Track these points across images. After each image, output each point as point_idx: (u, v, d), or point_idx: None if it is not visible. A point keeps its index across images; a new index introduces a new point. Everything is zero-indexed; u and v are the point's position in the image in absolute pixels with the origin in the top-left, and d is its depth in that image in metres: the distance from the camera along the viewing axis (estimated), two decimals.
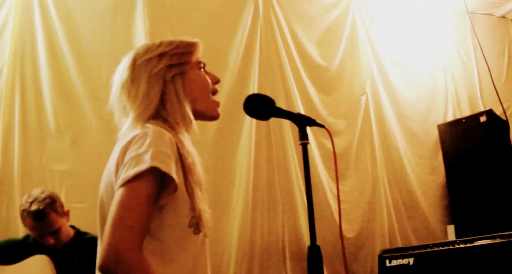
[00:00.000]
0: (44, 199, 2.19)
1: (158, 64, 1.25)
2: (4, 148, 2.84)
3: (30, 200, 2.18)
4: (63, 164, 2.94)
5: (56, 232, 2.23)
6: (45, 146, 2.94)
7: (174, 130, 1.18)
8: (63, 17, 3.13)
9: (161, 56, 1.26)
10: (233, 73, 3.51)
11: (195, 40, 1.34)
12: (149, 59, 1.26)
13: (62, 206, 2.29)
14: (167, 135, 1.12)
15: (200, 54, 1.34)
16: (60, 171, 2.93)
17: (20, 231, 2.69)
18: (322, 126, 1.45)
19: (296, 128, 1.43)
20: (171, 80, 1.24)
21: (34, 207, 2.14)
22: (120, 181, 1.04)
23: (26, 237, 2.35)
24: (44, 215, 2.16)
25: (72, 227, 2.38)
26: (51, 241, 2.23)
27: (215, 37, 3.50)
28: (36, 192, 2.25)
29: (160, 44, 1.29)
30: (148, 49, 1.28)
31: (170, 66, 1.25)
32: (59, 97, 3.02)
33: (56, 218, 2.21)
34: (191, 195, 1.12)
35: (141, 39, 3.19)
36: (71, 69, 3.08)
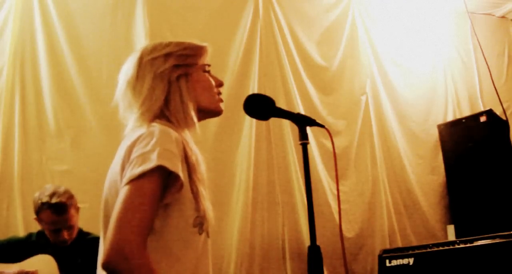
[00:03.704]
0: (64, 192, 2.20)
1: (164, 63, 1.25)
2: (4, 148, 2.84)
3: (48, 193, 2.18)
4: (63, 164, 2.94)
5: (71, 228, 2.23)
6: (45, 146, 2.94)
7: (177, 130, 1.19)
8: (63, 17, 3.12)
9: (167, 55, 1.27)
10: (233, 73, 3.51)
11: (204, 44, 1.35)
12: (156, 58, 1.26)
13: (76, 202, 2.30)
14: (174, 134, 1.12)
15: (207, 59, 1.34)
16: (60, 171, 2.93)
17: (20, 230, 2.69)
18: (322, 126, 1.45)
19: (296, 128, 1.43)
20: (175, 80, 1.25)
21: (55, 200, 2.14)
22: (125, 179, 1.05)
23: (29, 236, 2.35)
24: (65, 208, 2.17)
25: None
26: (66, 236, 2.22)
27: (215, 37, 3.50)
28: (52, 186, 2.25)
29: (169, 44, 1.29)
30: (156, 47, 1.29)
31: (175, 67, 1.26)
32: (59, 97, 3.02)
33: (75, 213, 2.24)
34: (195, 194, 1.13)
35: (141, 39, 3.18)
36: (71, 69, 3.08)
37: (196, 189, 1.13)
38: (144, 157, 1.05)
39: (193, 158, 1.15)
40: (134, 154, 1.07)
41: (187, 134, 1.22)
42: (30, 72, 3.00)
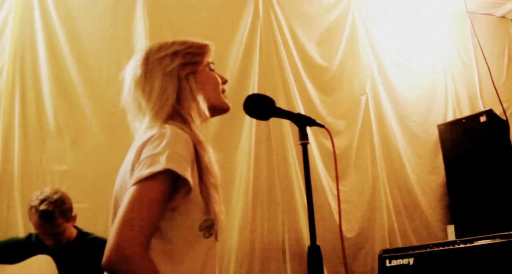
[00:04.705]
0: (55, 200, 2.18)
1: (172, 62, 1.26)
2: (4, 148, 2.84)
3: (41, 197, 2.17)
4: (63, 164, 2.94)
5: (58, 234, 2.22)
6: (45, 146, 2.94)
7: (191, 128, 1.18)
8: (63, 17, 3.13)
9: (174, 54, 1.27)
10: (233, 73, 3.51)
11: (207, 42, 1.37)
12: (163, 57, 1.27)
13: (71, 210, 2.28)
14: (184, 136, 1.12)
15: (211, 56, 1.35)
16: (60, 171, 2.93)
17: (20, 231, 2.69)
18: (322, 126, 1.44)
19: (296, 128, 1.43)
20: (185, 78, 1.26)
21: (43, 207, 2.13)
22: (133, 179, 1.04)
23: (29, 236, 2.35)
24: (51, 216, 2.15)
25: (75, 227, 2.37)
26: (51, 242, 2.23)
27: (215, 37, 3.45)
28: (49, 191, 2.23)
29: (174, 43, 1.30)
30: (161, 47, 1.29)
31: (183, 65, 1.27)
32: (59, 97, 3.02)
33: (62, 221, 2.21)
34: (206, 197, 1.12)
35: (141, 39, 3.19)
36: (71, 69, 3.08)
37: (207, 192, 1.12)
38: (153, 158, 1.05)
39: (205, 159, 1.15)
40: (144, 155, 1.07)
41: (201, 133, 1.21)
42: (30, 72, 3.00)
